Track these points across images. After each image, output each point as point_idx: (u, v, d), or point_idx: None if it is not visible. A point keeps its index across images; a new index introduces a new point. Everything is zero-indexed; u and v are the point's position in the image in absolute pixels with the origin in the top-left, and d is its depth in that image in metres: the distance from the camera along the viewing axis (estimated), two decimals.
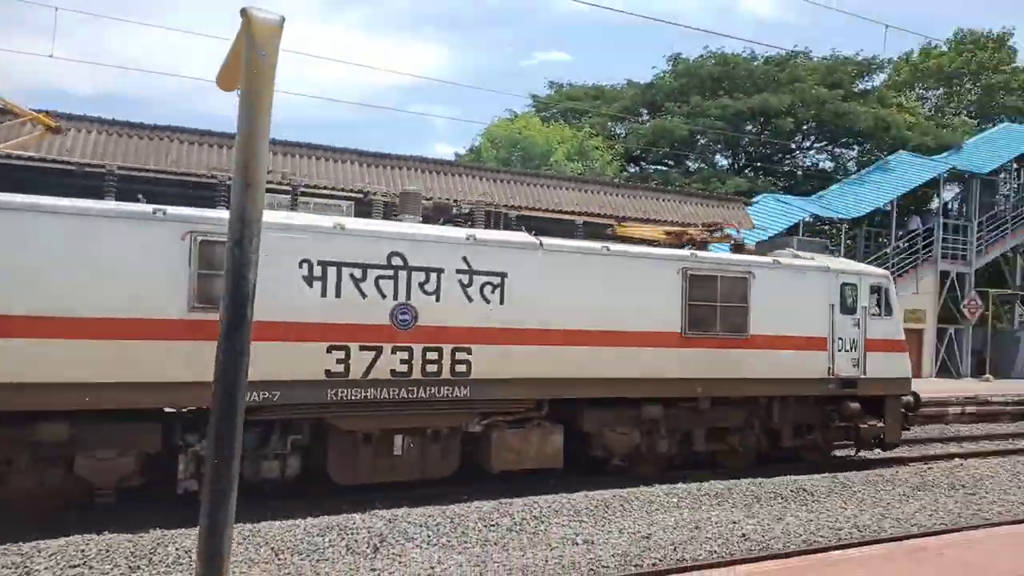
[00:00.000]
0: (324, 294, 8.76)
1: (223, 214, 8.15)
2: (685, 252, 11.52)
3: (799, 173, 37.84)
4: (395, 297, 9.13)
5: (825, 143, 37.81)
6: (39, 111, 10.51)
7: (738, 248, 12.96)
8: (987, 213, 29.16)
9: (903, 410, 13.29)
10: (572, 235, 10.40)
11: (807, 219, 26.28)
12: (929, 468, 12.89)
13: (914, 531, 9.42)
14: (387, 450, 9.36)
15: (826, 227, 29.67)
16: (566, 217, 12.99)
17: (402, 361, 9.14)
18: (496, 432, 10.04)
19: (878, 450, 13.60)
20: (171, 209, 8.19)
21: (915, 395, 13.46)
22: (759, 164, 36.73)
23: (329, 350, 8.76)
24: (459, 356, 9.50)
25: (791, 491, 11.10)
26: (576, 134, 27.48)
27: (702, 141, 35.96)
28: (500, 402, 9.95)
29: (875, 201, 26.31)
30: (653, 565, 7.87)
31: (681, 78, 35.34)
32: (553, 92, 37.59)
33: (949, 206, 30.93)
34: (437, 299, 9.37)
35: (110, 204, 8.42)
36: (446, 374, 9.40)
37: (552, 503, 9.68)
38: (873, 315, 12.76)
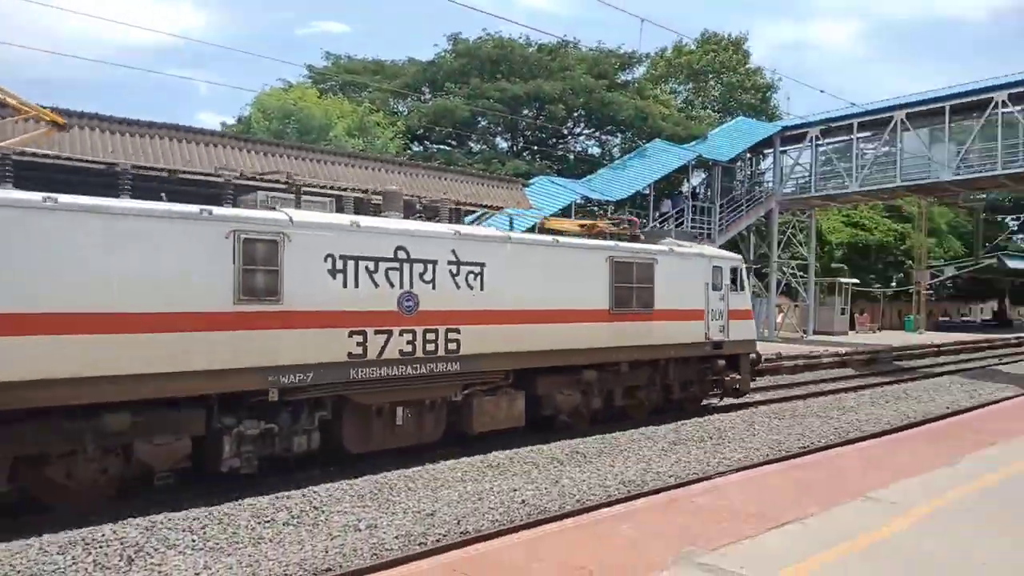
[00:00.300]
0: (345, 285, 9.74)
1: (263, 214, 9.27)
2: (611, 243, 13.72)
3: (571, 157, 40.12)
4: (401, 286, 10.32)
5: (593, 130, 40.46)
6: (44, 107, 10.09)
7: (634, 239, 14.85)
8: (727, 196, 33.17)
9: (752, 365, 16.75)
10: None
11: (579, 200, 27.92)
12: (683, 424, 14.28)
13: (671, 482, 10.40)
14: (391, 421, 10.63)
15: (595, 208, 31.77)
16: (346, 194, 12.43)
17: (407, 342, 10.44)
18: (476, 400, 11.61)
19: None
20: (216, 209, 8.77)
21: (758, 353, 17.08)
22: (536, 147, 38.38)
23: (350, 335, 9.81)
24: (451, 336, 10.94)
25: (566, 454, 11.68)
26: (356, 109, 26.63)
27: (483, 123, 36.75)
28: (481, 374, 11.52)
29: (635, 184, 28.69)
30: (437, 541, 7.83)
31: (461, 58, 35.73)
32: (331, 64, 36.24)
33: (696, 190, 34.65)
34: (433, 287, 10.70)
35: (163, 204, 8.61)
36: (441, 352, 10.82)
37: (333, 490, 9.26)
38: (732, 291, 15.83)
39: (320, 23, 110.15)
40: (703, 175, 35.33)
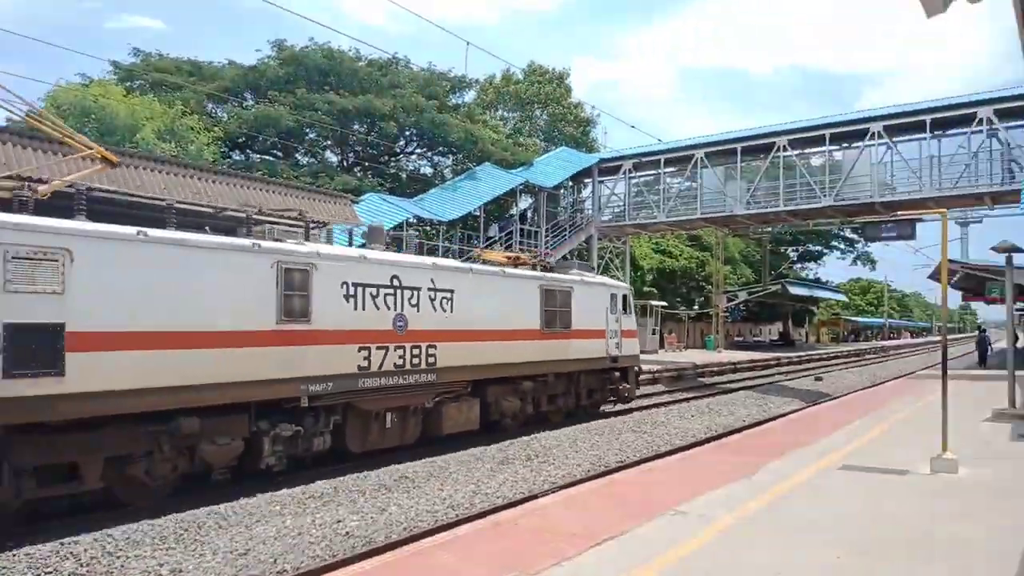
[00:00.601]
0: (355, 308, 11.65)
1: (299, 247, 10.99)
2: (541, 273, 16.80)
3: (404, 176, 39.81)
4: (395, 309, 12.38)
5: (425, 150, 40.44)
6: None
7: (549, 270, 17.93)
8: (552, 221, 34.61)
9: (635, 376, 20.10)
10: (162, 224, 9.46)
11: (411, 220, 27.73)
12: (511, 443, 14.49)
13: (499, 503, 10.49)
14: (383, 424, 12.46)
15: (427, 227, 31.71)
16: (157, 202, 11.49)
17: (399, 356, 12.47)
18: (444, 406, 13.71)
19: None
20: (263, 243, 10.53)
21: (639, 366, 20.53)
22: (368, 164, 37.59)
23: (359, 350, 11.72)
24: (430, 351, 13.09)
25: (394, 480, 11.41)
26: (167, 111, 24.49)
27: (311, 135, 35.39)
28: (450, 384, 13.72)
29: (467, 206, 29.10)
30: None
31: (287, 66, 34.12)
32: (139, 61, 33.10)
33: (525, 214, 35.79)
34: (418, 310, 12.81)
35: (227, 238, 10.00)
36: (423, 365, 12.92)
37: (131, 532, 8.36)
38: (624, 315, 19.11)
39: (131, 17, 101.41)
40: (530, 200, 36.54)
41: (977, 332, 49.04)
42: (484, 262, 16.49)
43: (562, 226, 34.61)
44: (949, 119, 27.38)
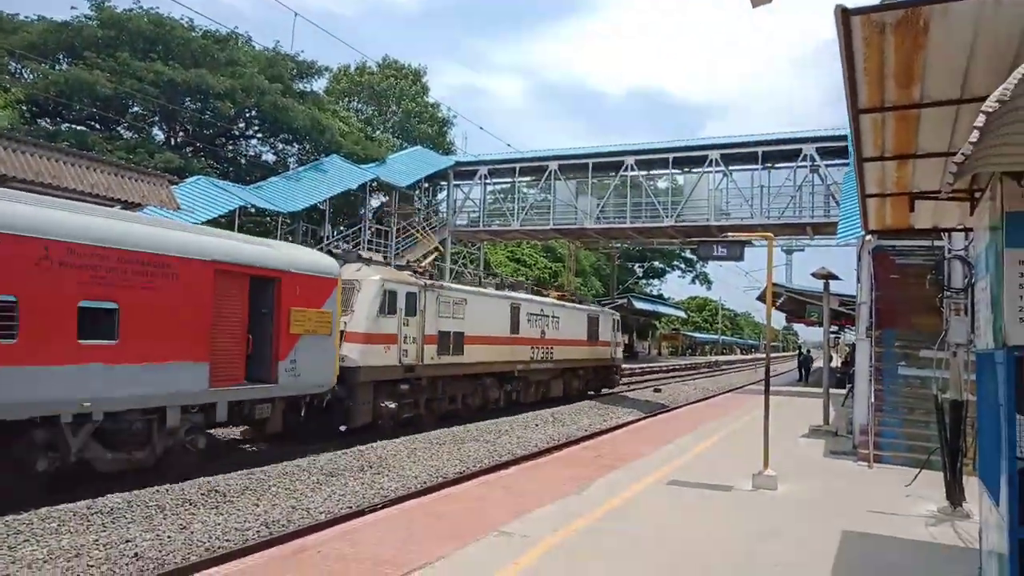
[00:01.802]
0: (528, 324, 22.80)
1: (520, 295, 23.65)
2: (586, 307, 29.50)
3: (243, 161, 37.15)
4: (541, 327, 23.65)
5: (267, 135, 37.85)
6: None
7: (582, 302, 30.74)
8: (405, 221, 33.73)
9: (617, 372, 31.55)
10: None
11: (249, 208, 25.85)
12: (344, 453, 13.60)
13: (322, 519, 9.65)
14: (536, 388, 23.80)
15: (266, 218, 29.74)
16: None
17: (542, 353, 23.61)
18: (553, 380, 25.14)
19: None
20: (506, 292, 22.65)
21: (620, 365, 32.25)
22: (200, 145, 34.67)
23: (531, 349, 22.95)
24: (552, 350, 24.29)
25: (201, 494, 10.24)
26: None
27: (136, 108, 31.98)
28: (558, 371, 25.28)
29: (311, 198, 27.55)
30: None
31: (108, 28, 30.48)
32: None
33: (380, 212, 34.59)
34: (550, 328, 24.35)
35: (489, 290, 21.54)
36: (551, 358, 24.16)
37: None
38: (616, 332, 31.17)
39: None
40: (383, 198, 35.43)
41: (798, 352, 53.76)
42: (557, 299, 26.84)
43: (415, 227, 33.83)
44: (778, 152, 29.60)
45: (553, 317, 24.30)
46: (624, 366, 46.73)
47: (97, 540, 7.96)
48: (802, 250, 37.64)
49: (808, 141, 28.37)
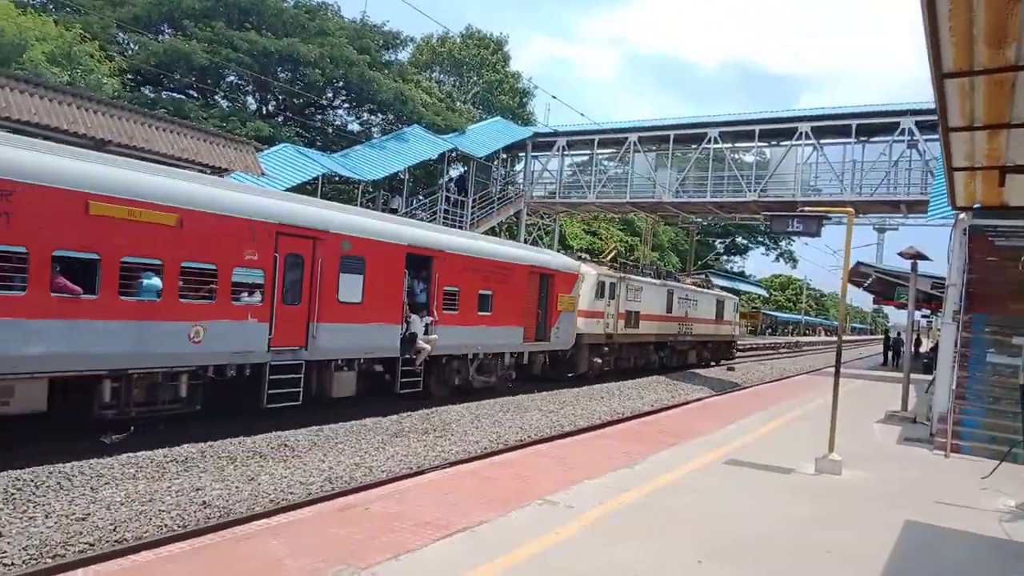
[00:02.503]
0: (680, 306, 29.76)
1: (673, 283, 30.35)
2: (715, 291, 36.64)
3: (330, 131, 38.12)
4: (686, 308, 30.45)
5: (353, 105, 38.69)
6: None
7: (709, 285, 36.72)
8: (481, 192, 33.89)
9: (732, 345, 39.17)
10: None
11: (332, 176, 26.55)
12: (408, 416, 13.98)
13: (383, 477, 9.96)
14: (684, 356, 31.47)
15: (348, 185, 30.50)
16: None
17: (686, 328, 30.41)
18: (691, 350, 31.95)
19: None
20: (666, 282, 29.46)
21: (737, 340, 41.08)
22: (291, 114, 35.76)
23: (679, 324, 29.83)
24: (692, 327, 31.02)
25: (272, 447, 10.75)
26: (64, 33, 22.35)
27: (232, 77, 33.27)
28: (695, 343, 32.25)
29: (391, 167, 28.05)
30: (81, 552, 6.58)
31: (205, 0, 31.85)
32: None
33: (461, 181, 34.86)
34: (692, 309, 31.14)
35: (654, 280, 28.22)
36: (691, 333, 31.02)
37: None
38: (736, 312, 39.65)
39: None
40: (461, 168, 35.69)
41: (884, 335, 51.38)
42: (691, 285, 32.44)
43: (491, 198, 33.94)
44: (874, 126, 27.98)
45: (693, 300, 31.04)
46: None
47: (170, 487, 8.48)
48: (895, 229, 35.66)
49: (907, 114, 26.68)
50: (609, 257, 28.44)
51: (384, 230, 14.18)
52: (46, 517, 7.25)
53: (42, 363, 9.00)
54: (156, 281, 10.19)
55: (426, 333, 15.15)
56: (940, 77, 4.15)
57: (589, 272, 22.35)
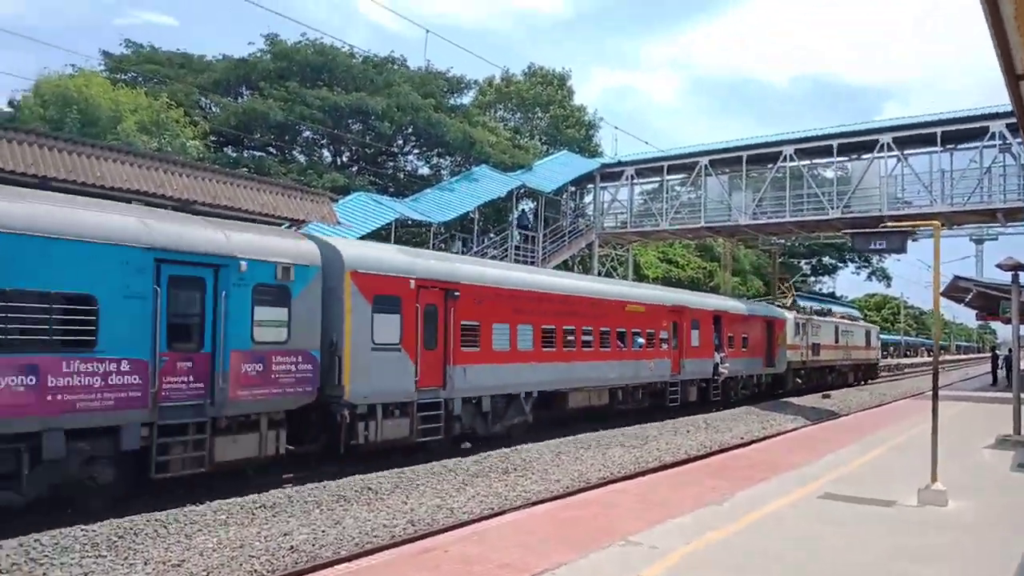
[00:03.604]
0: (829, 338, 36.21)
1: (808, 315, 34.98)
2: (863, 323, 46.86)
3: (402, 176, 39.28)
4: (844, 339, 38.37)
5: (423, 150, 39.81)
6: None
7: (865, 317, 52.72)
8: (551, 227, 34.00)
9: (878, 369, 49.59)
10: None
11: (405, 220, 27.20)
12: (488, 456, 13.91)
13: (465, 518, 9.92)
14: (824, 377, 36.28)
15: (420, 229, 31.18)
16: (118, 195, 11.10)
17: (843, 354, 38.35)
18: (845, 372, 39.96)
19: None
20: (829, 318, 38.57)
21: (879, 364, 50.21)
22: (364, 163, 37.09)
23: (839, 353, 37.90)
24: (849, 354, 38.90)
25: (355, 491, 10.87)
26: (152, 103, 24.07)
27: (307, 133, 34.93)
28: (849, 366, 40.66)
29: (460, 208, 28.55)
30: None
31: (279, 61, 33.77)
32: (131, 53, 32.73)
33: (529, 219, 35.12)
34: (847, 339, 38.75)
35: (828, 317, 38.22)
36: (848, 359, 39.44)
37: (61, 538, 7.89)
38: (875, 338, 47.95)
39: (143, 13, 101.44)
40: (531, 204, 35.96)
41: (992, 352, 48.18)
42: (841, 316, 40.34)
43: (562, 232, 33.94)
44: (961, 132, 26.61)
45: (850, 332, 39.23)
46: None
47: (259, 532, 8.68)
48: (995, 239, 33.59)
49: (995, 117, 25.27)
50: (789, 303, 38.74)
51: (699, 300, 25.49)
52: (145, 564, 7.55)
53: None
54: None
55: (722, 363, 24.38)
56: (1015, 79, 3.88)
57: (789, 317, 31.08)
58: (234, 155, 33.04)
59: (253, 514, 9.42)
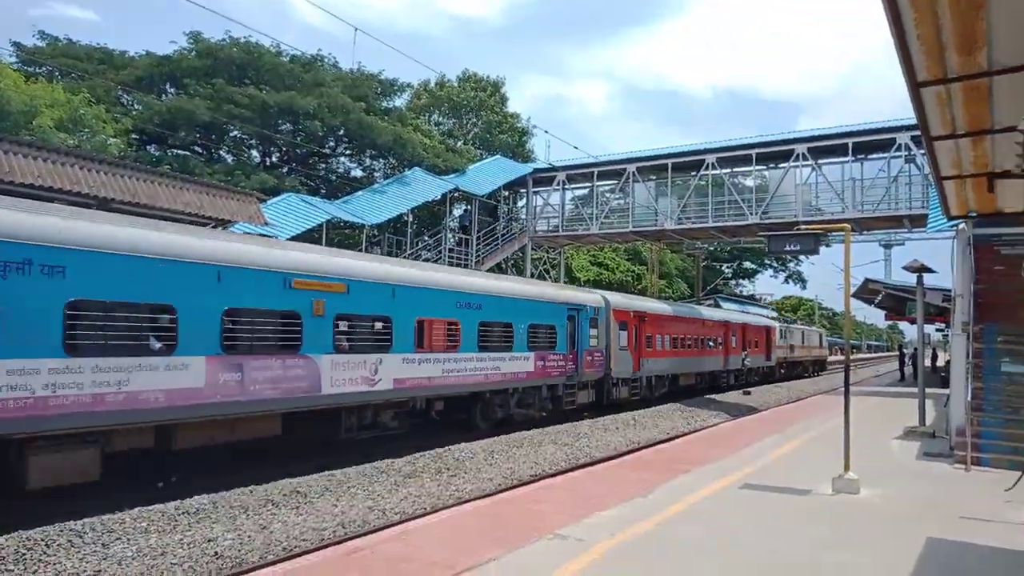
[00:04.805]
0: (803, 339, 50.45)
1: (802, 327, 53.54)
2: (819, 329, 64.50)
3: (334, 178, 38.63)
4: (788, 340, 46.26)
5: (354, 152, 39.24)
6: None
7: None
8: (485, 229, 34.12)
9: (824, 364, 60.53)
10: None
11: (337, 222, 26.76)
12: (420, 456, 13.86)
13: (396, 519, 9.86)
14: (800, 367, 48.95)
15: (352, 230, 30.76)
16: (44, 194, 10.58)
17: (803, 352, 50.07)
18: (802, 365, 50.42)
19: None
20: (797, 326, 52.74)
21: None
22: (295, 165, 36.33)
23: (802, 352, 50.40)
24: (808, 351, 50.72)
25: (283, 495, 10.66)
26: (71, 99, 22.91)
27: (234, 132, 33.94)
28: (805, 361, 50.22)
29: (394, 210, 28.35)
30: None
31: (204, 58, 32.68)
32: (45, 46, 31.04)
33: (463, 222, 35.12)
34: (801, 340, 49.93)
35: (796, 325, 52.37)
36: (806, 355, 51.00)
37: None
38: (824, 340, 63.23)
39: (61, 6, 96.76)
40: (464, 207, 35.96)
41: (899, 350, 51.25)
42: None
43: (495, 235, 34.12)
44: (870, 143, 28.11)
45: (811, 335, 50.17)
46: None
47: (182, 539, 8.41)
48: (902, 244, 35.51)
49: (902, 130, 26.80)
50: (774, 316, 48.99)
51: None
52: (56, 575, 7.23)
53: None
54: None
55: (745, 359, 34.00)
56: (915, 87, 4.18)
57: (775, 324, 41.08)
58: (157, 154, 31.74)
59: (176, 520, 9.12)
